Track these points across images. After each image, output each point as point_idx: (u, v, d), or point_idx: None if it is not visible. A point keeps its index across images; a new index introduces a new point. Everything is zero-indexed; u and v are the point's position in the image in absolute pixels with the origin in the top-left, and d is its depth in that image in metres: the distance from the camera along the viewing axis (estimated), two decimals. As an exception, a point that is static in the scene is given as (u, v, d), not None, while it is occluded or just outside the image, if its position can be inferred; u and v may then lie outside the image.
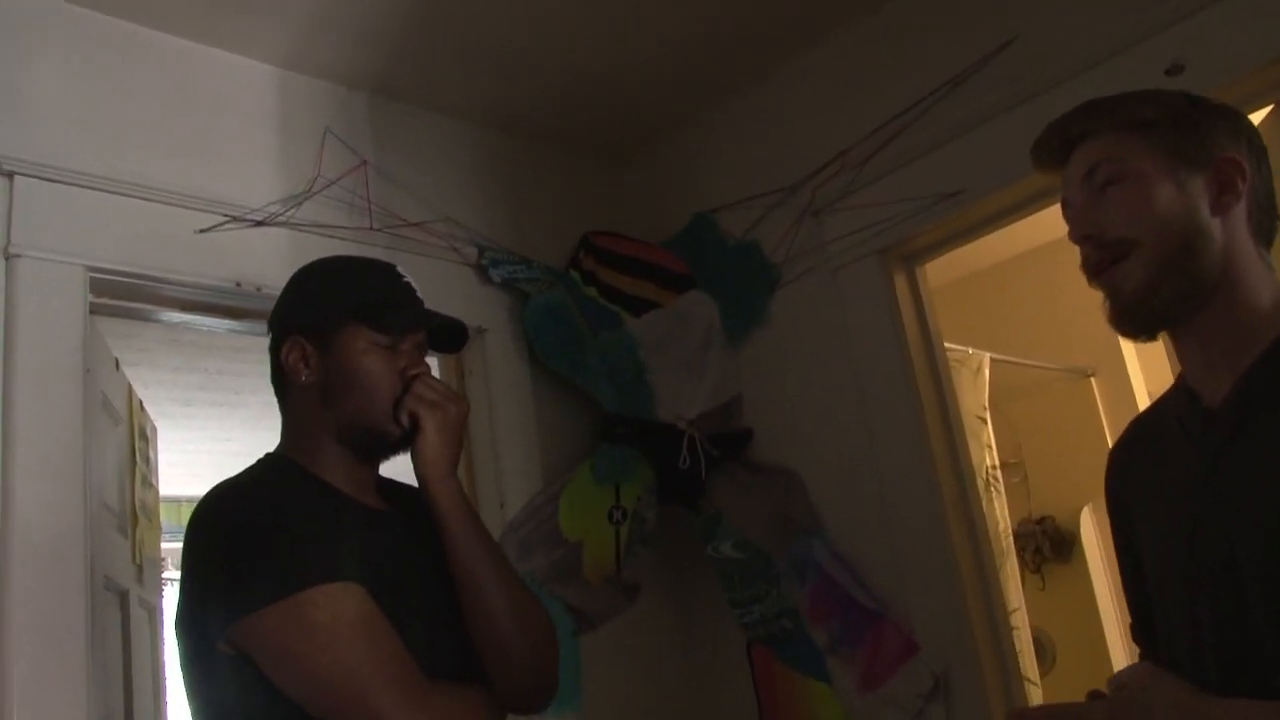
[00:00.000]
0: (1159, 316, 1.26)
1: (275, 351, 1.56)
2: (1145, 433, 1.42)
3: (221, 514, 1.42)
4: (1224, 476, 1.20)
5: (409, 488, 1.59)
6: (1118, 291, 1.25)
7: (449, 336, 1.64)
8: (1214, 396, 1.24)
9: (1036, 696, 3.04)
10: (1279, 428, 1.16)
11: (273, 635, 1.32)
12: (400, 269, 1.61)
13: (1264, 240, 1.28)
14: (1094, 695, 1.25)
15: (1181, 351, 1.30)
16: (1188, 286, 1.22)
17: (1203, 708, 1.11)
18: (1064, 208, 1.33)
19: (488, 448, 2.70)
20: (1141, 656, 1.41)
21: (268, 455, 1.57)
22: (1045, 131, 1.35)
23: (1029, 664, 3.15)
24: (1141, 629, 1.41)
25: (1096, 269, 1.27)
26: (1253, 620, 1.15)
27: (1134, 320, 1.27)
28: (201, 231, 2.28)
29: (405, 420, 1.50)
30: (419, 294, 1.59)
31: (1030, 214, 2.53)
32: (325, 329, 1.52)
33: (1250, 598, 1.14)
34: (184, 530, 1.45)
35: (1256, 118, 2.23)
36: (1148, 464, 1.37)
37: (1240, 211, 1.25)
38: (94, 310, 2.14)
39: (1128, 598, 1.44)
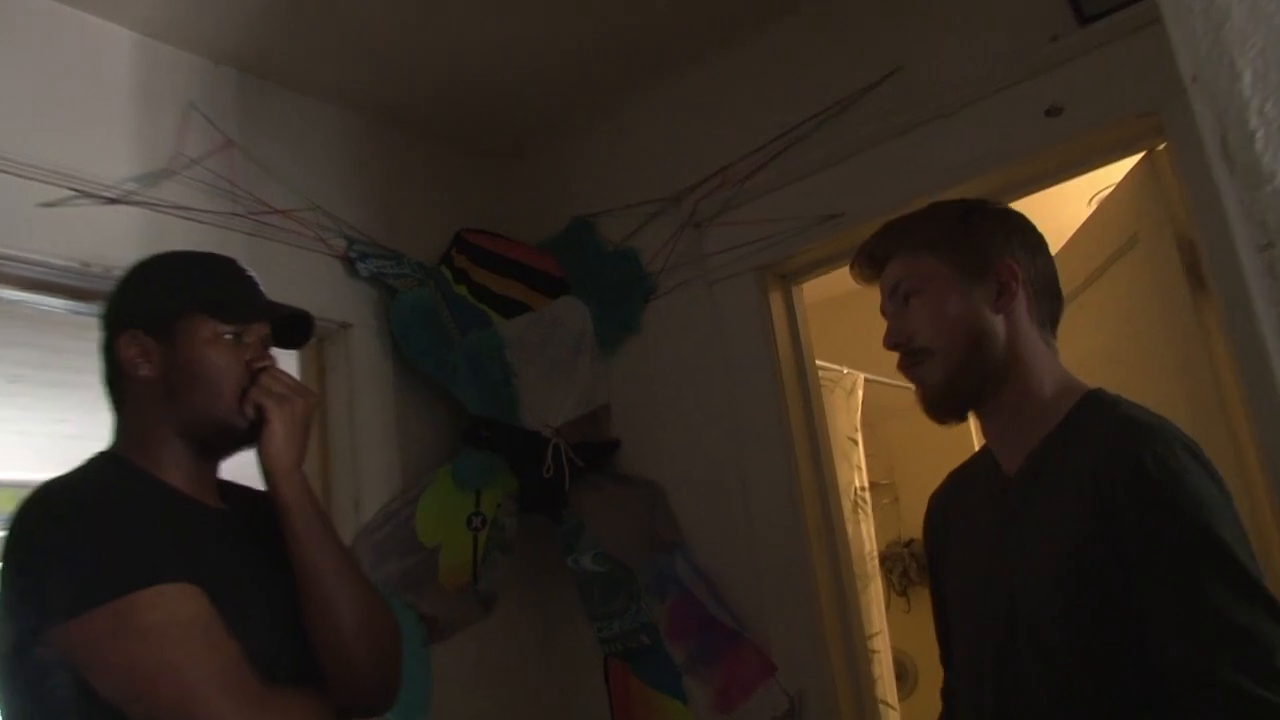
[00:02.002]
0: (959, 405, 1.49)
1: (109, 348, 1.51)
2: (960, 487, 1.65)
3: (48, 512, 1.38)
4: (1012, 539, 1.42)
5: (249, 489, 1.58)
6: (924, 388, 1.49)
7: (294, 331, 1.62)
8: (1011, 465, 1.47)
9: (893, 719, 3.08)
10: (1057, 502, 1.36)
11: (102, 638, 1.29)
12: (241, 263, 1.60)
13: (1048, 323, 1.51)
14: None
15: (983, 426, 1.53)
16: (979, 379, 1.45)
17: None
18: (884, 315, 1.56)
19: (346, 447, 2.62)
20: (945, 682, 1.63)
21: (100, 453, 1.52)
22: (856, 256, 1.60)
23: (888, 687, 3.19)
24: (947, 663, 1.62)
25: (907, 369, 1.51)
26: (1025, 673, 1.35)
27: (939, 409, 1.49)
28: (45, 205, 2.14)
29: (251, 412, 1.49)
30: (261, 288, 1.58)
31: (908, 240, 2.57)
32: (165, 321, 1.50)
33: (1023, 653, 1.35)
34: (8, 519, 1.38)
35: (1127, 164, 2.31)
36: (958, 516, 1.60)
37: (1020, 306, 1.47)
38: (-81, 282, 1.99)
39: (938, 633, 1.65)
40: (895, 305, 1.52)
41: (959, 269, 1.47)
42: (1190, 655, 1.19)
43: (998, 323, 1.45)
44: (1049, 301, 1.50)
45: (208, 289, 1.53)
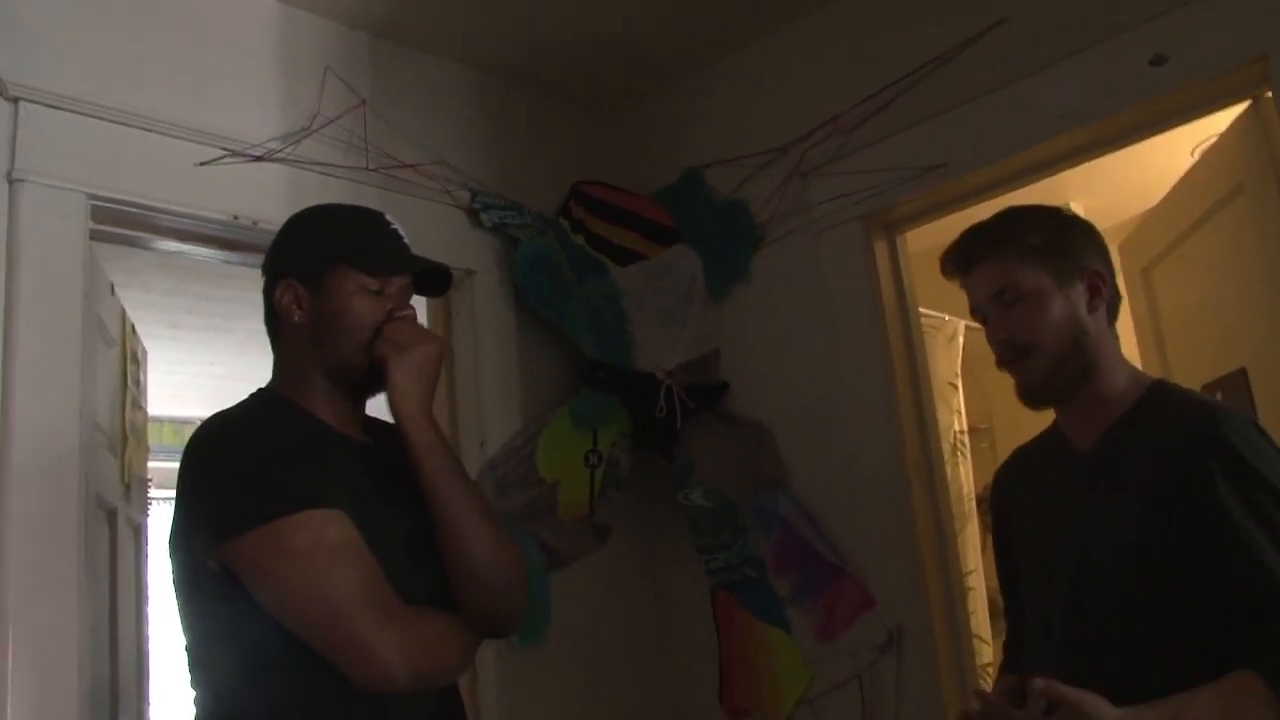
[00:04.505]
0: (1057, 395, 1.66)
1: (269, 294, 1.63)
2: (1027, 462, 1.84)
3: (214, 442, 1.51)
4: (1087, 505, 1.60)
5: (394, 425, 1.64)
6: (1028, 380, 1.65)
7: (434, 281, 1.71)
8: (1084, 443, 1.65)
9: (987, 654, 3.15)
10: (1130, 471, 1.56)
11: (256, 558, 1.40)
12: (388, 216, 1.69)
13: (1114, 320, 1.69)
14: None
15: (1060, 410, 1.71)
16: (1076, 372, 1.63)
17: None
18: (974, 313, 1.73)
19: (471, 388, 2.76)
20: (1008, 633, 1.83)
21: (260, 390, 1.64)
22: (951, 252, 1.73)
23: (982, 623, 3.26)
24: (1012, 612, 1.82)
25: (1009, 362, 1.66)
26: (1094, 624, 1.54)
27: (1040, 399, 1.67)
28: (201, 164, 2.31)
29: (376, 361, 1.58)
30: (406, 240, 1.67)
31: (1010, 191, 2.59)
32: (316, 271, 1.60)
33: (1093, 602, 1.55)
34: (168, 450, 1.52)
35: (1232, 113, 2.30)
36: (1027, 486, 1.79)
37: (1103, 308, 1.65)
38: (93, 236, 2.18)
39: (1002, 589, 1.85)
40: (999, 308, 1.66)
41: (1059, 273, 1.63)
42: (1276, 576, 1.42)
43: (1090, 322, 1.63)
44: (1117, 302, 1.71)
45: (355, 243, 1.62)
